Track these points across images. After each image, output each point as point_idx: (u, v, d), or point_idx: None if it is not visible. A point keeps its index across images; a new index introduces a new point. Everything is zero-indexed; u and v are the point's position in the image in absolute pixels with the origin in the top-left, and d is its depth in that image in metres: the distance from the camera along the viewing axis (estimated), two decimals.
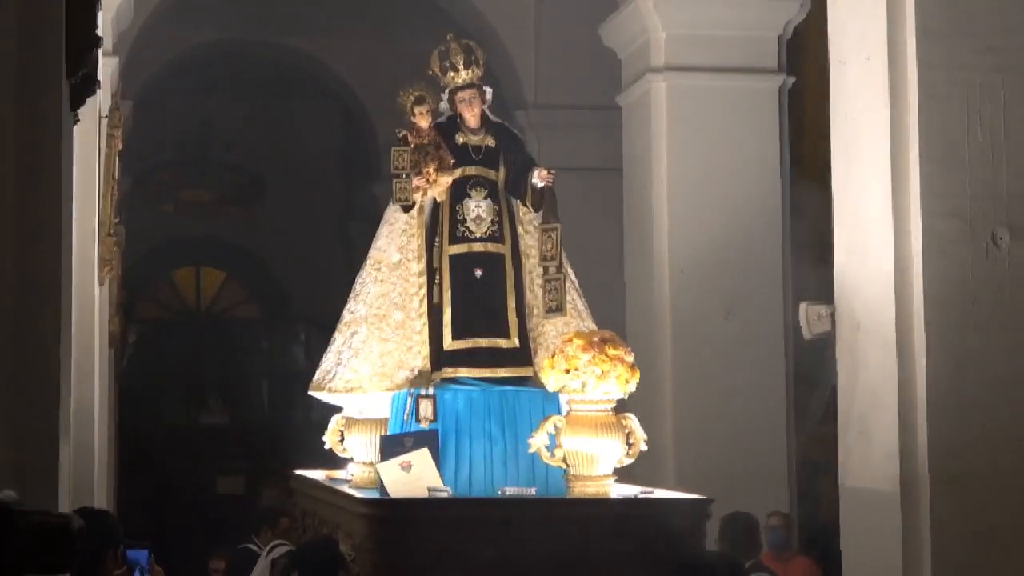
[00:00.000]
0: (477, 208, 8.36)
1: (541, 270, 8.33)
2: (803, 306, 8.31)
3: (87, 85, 5.74)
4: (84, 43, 5.44)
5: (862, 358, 7.63)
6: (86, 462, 9.12)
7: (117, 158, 10.31)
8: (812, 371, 11.36)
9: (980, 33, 7.34)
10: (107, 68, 10.58)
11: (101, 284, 10.18)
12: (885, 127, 7.40)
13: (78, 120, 6.16)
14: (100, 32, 6.01)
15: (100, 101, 9.68)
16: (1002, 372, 7.19)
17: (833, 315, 7.99)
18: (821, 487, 11.70)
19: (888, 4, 7.41)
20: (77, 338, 7.35)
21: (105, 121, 10.09)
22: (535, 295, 8.40)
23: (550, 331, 8.31)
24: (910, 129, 7.31)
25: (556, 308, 8.20)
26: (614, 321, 10.60)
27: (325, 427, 8.90)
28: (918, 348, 7.21)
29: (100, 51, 5.91)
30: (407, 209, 8.37)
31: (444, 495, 7.54)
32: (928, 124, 7.26)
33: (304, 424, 19.08)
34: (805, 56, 11.73)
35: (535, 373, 8.16)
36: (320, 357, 8.71)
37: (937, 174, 7.25)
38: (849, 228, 7.83)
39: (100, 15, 6.63)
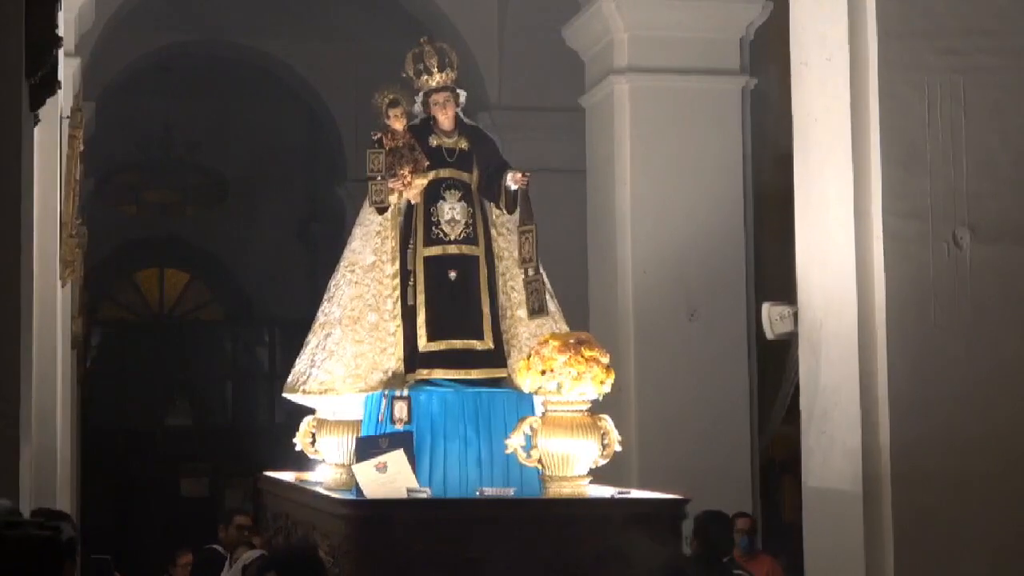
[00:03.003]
0: (451, 210, 8.36)
1: (515, 272, 8.37)
2: (766, 306, 8.34)
3: (47, 85, 5.71)
4: (44, 43, 5.40)
5: (824, 358, 7.66)
6: (48, 464, 9.08)
7: (79, 159, 10.26)
8: (775, 371, 11.40)
9: (941, 34, 7.37)
10: (68, 68, 10.52)
11: (63, 286, 10.14)
12: (846, 128, 7.43)
13: (38, 121, 6.12)
14: (61, 32, 5.98)
15: (61, 102, 9.63)
16: (963, 371, 7.22)
17: (796, 315, 8.01)
18: (784, 486, 11.74)
19: (849, 6, 7.44)
20: (39, 340, 7.32)
21: (66, 122, 10.04)
22: (508, 297, 8.41)
23: (523, 333, 8.33)
24: (871, 130, 7.34)
25: (539, 309, 8.22)
26: (578, 322, 10.60)
27: (290, 429, 8.87)
28: (880, 348, 7.24)
29: (61, 51, 5.88)
30: (382, 211, 8.36)
31: (424, 495, 7.53)
32: (889, 125, 7.29)
33: (268, 426, 19.06)
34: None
35: (509, 374, 8.17)
36: (284, 358, 8.70)
37: (898, 175, 7.28)
38: (811, 228, 7.85)
39: (61, 15, 6.60)
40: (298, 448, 8.67)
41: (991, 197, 7.37)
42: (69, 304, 10.98)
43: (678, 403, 11.04)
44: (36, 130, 6.13)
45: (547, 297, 8.42)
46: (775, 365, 11.35)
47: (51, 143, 9.35)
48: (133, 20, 14.73)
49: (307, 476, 8.81)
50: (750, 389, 11.42)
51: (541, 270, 8.41)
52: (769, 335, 8.43)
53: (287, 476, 9.06)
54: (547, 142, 13.81)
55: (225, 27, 17.50)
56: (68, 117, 10.08)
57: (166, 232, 21.23)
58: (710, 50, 11.53)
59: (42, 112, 6.10)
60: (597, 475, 8.34)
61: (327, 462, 8.45)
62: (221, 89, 19.46)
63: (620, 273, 11.33)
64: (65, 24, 9.53)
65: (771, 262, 11.22)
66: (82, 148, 10.37)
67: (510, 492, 7.73)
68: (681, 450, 10.88)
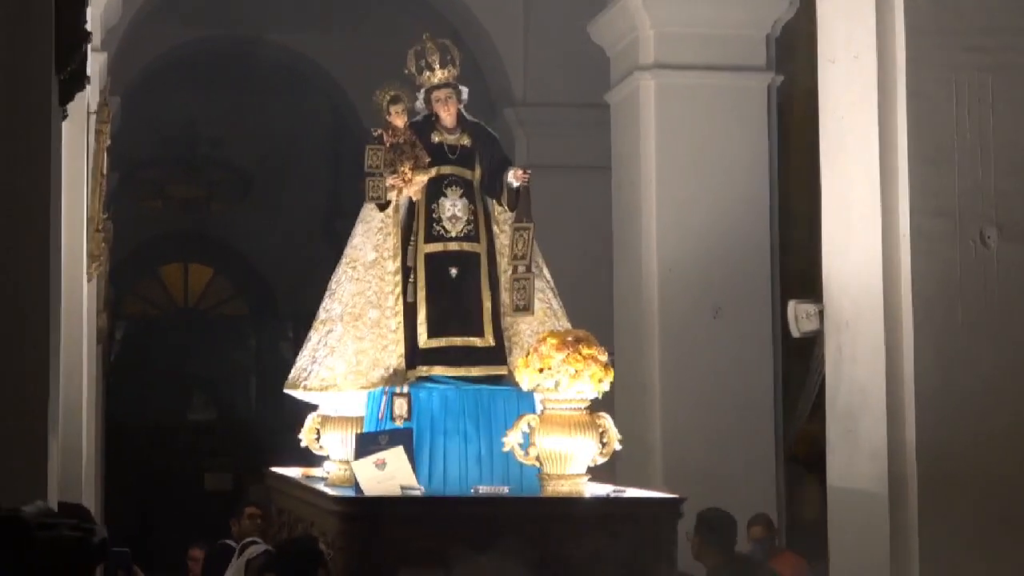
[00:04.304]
0: (453, 207, 8.36)
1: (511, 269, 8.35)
2: (791, 304, 8.33)
3: (76, 81, 5.71)
4: (73, 38, 5.41)
5: (850, 356, 7.64)
6: (73, 459, 9.09)
7: (105, 154, 10.29)
8: (800, 369, 11.37)
9: (968, 32, 7.35)
10: (95, 64, 10.54)
11: (89, 280, 10.16)
12: (873, 125, 7.41)
13: (66, 115, 6.13)
14: (89, 27, 5.99)
15: (88, 97, 9.66)
16: (990, 370, 7.20)
17: (821, 313, 8.00)
18: (808, 485, 11.71)
19: (877, 3, 7.42)
20: (65, 334, 7.33)
21: (93, 117, 10.07)
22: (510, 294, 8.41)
23: (525, 330, 8.32)
24: (898, 128, 7.32)
25: (524, 307, 8.22)
26: (602, 320, 10.60)
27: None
28: (906, 347, 7.22)
29: (89, 47, 5.88)
30: (382, 208, 8.38)
31: (417, 493, 7.53)
32: (916, 123, 7.27)
33: (292, 421, 19.08)
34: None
35: (510, 372, 8.15)
36: None
37: (925, 172, 7.26)
38: (837, 226, 7.84)
39: (89, 10, 6.61)
40: (303, 444, 8.70)
41: (1019, 195, 7.34)
42: (95, 299, 11.01)
43: (703, 401, 11.02)
44: (64, 125, 6.14)
45: (550, 295, 8.41)
46: (800, 363, 11.32)
47: (79, 138, 9.38)
48: (158, 15, 14.77)
49: (313, 472, 8.83)
50: (775, 387, 11.39)
51: (543, 269, 8.39)
52: (795, 333, 8.42)
53: (294, 472, 9.09)
54: (572, 138, 13.80)
55: (249, 22, 17.52)
56: (95, 112, 10.10)
57: (190, 227, 21.27)
58: (736, 46, 11.49)
59: (70, 107, 6.12)
60: (618, 473, 8.34)
61: (331, 458, 8.48)
62: (245, 85, 19.47)
63: (645, 270, 11.31)
64: (92, 19, 9.55)
65: (796, 259, 11.20)
66: (108, 143, 10.40)
67: (504, 490, 7.73)
68: (705, 448, 10.86)
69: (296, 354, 8.77)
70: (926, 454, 7.10)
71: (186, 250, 21.73)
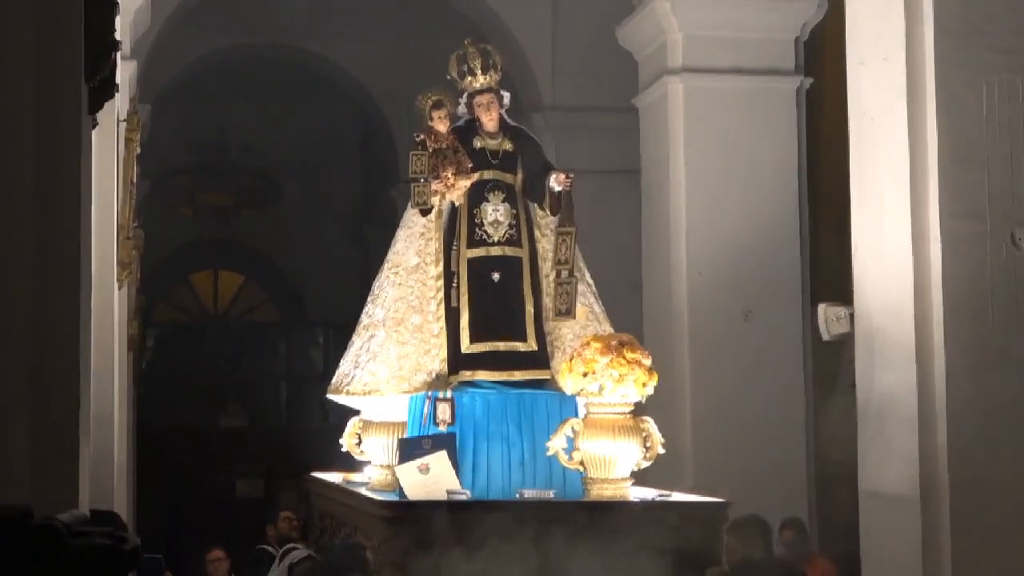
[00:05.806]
0: (495, 212, 8.37)
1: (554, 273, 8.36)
2: (822, 307, 8.31)
3: (105, 89, 5.72)
4: (102, 47, 5.42)
5: (880, 359, 7.61)
6: (105, 466, 9.13)
7: (135, 162, 10.33)
8: (830, 372, 11.33)
9: (998, 33, 7.32)
10: (125, 72, 10.58)
11: (119, 288, 10.20)
12: (903, 127, 7.38)
13: (96, 124, 6.15)
14: (118, 36, 6.01)
15: (118, 105, 9.69)
16: (1021, 373, 7.16)
17: (852, 316, 7.97)
18: (840, 489, 11.67)
19: (906, 4, 7.40)
20: (96, 342, 7.36)
21: (123, 125, 10.11)
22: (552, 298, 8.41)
23: (567, 334, 8.32)
24: (928, 129, 7.29)
25: (566, 311, 8.23)
26: (632, 324, 10.58)
27: (343, 430, 8.90)
28: (937, 349, 7.19)
29: (118, 55, 5.90)
30: (425, 213, 8.38)
31: (463, 497, 7.54)
32: (946, 124, 7.24)
33: (322, 427, 19.13)
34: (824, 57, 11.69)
35: (552, 376, 8.16)
36: (337, 359, 8.73)
37: (955, 174, 7.24)
38: (868, 228, 7.81)
39: (118, 19, 6.63)
40: (344, 449, 8.71)
41: None
42: (126, 306, 11.04)
43: (733, 405, 11.00)
44: (94, 133, 6.16)
45: (592, 299, 8.41)
46: (830, 366, 11.29)
47: (109, 146, 9.42)
48: (187, 23, 14.81)
49: (354, 476, 8.85)
50: (805, 390, 11.36)
51: (585, 273, 8.39)
52: (825, 336, 8.39)
53: (334, 476, 9.11)
54: (601, 143, 13.79)
55: (278, 29, 17.58)
56: (125, 120, 10.14)
57: (220, 234, 21.34)
58: (765, 50, 11.48)
59: (100, 116, 6.13)
60: (649, 477, 8.33)
61: (373, 463, 8.49)
62: (274, 91, 19.54)
63: (675, 274, 11.30)
64: (121, 27, 9.59)
65: (826, 262, 11.17)
66: (138, 151, 10.43)
67: (550, 494, 7.73)
68: (736, 452, 10.83)
69: (325, 359, 8.82)
70: (958, 457, 7.07)
71: (216, 257, 21.79)
